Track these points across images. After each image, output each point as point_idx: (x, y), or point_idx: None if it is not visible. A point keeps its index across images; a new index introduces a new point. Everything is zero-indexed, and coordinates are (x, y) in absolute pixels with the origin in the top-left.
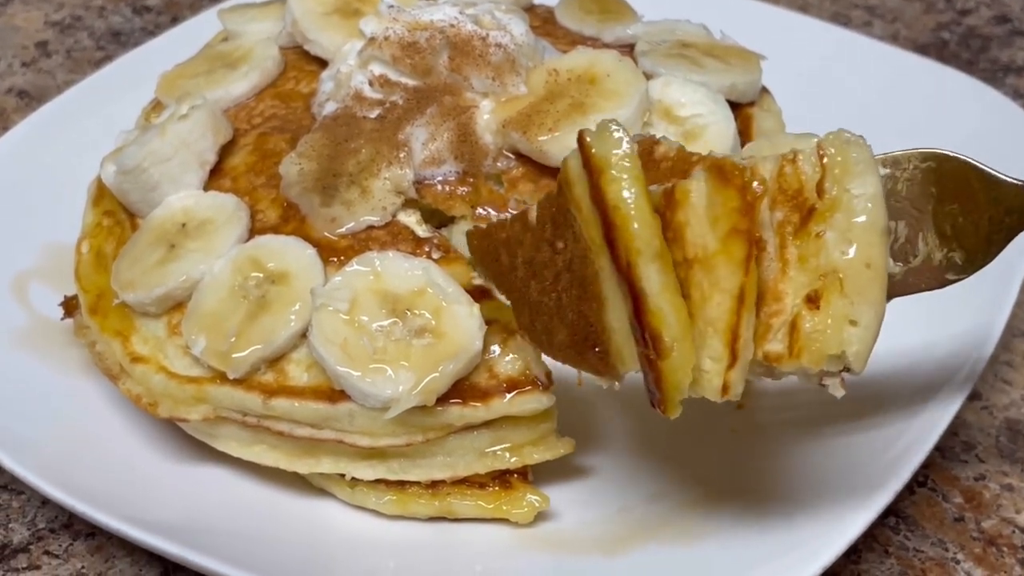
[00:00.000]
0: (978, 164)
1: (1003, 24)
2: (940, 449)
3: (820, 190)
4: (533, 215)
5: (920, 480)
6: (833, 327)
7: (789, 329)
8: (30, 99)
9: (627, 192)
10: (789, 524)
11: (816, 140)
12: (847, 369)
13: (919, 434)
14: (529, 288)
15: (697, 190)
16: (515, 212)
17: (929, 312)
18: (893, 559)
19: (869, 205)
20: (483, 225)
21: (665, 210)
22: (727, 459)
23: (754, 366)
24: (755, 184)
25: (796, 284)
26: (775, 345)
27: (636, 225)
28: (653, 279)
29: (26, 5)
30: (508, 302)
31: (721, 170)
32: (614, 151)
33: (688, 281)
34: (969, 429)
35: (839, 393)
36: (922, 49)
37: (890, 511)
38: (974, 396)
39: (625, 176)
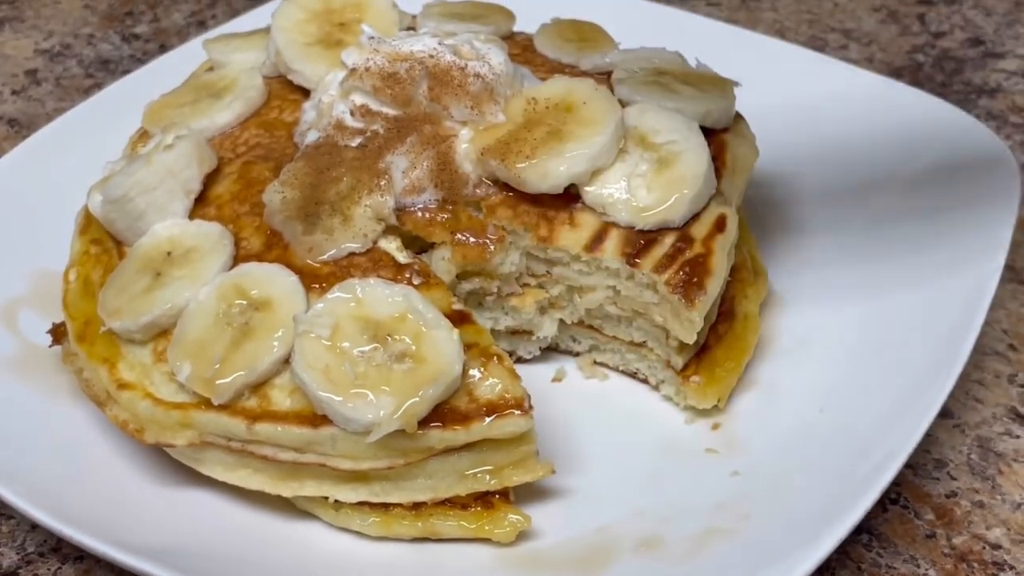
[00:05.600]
0: None
1: (976, 47)
2: (912, 466)
3: None
4: None
5: (892, 497)
6: None
7: None
8: (20, 127)
9: None
10: (762, 541)
11: None
12: None
13: (890, 451)
14: None
15: None
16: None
17: (899, 330)
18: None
19: None
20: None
21: None
22: (703, 478)
23: None
24: None
25: None
26: None
27: None
28: None
29: (16, 33)
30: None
31: None
32: None
33: None
34: (941, 447)
35: None
36: (897, 71)
37: (862, 528)
38: (946, 414)
39: None
